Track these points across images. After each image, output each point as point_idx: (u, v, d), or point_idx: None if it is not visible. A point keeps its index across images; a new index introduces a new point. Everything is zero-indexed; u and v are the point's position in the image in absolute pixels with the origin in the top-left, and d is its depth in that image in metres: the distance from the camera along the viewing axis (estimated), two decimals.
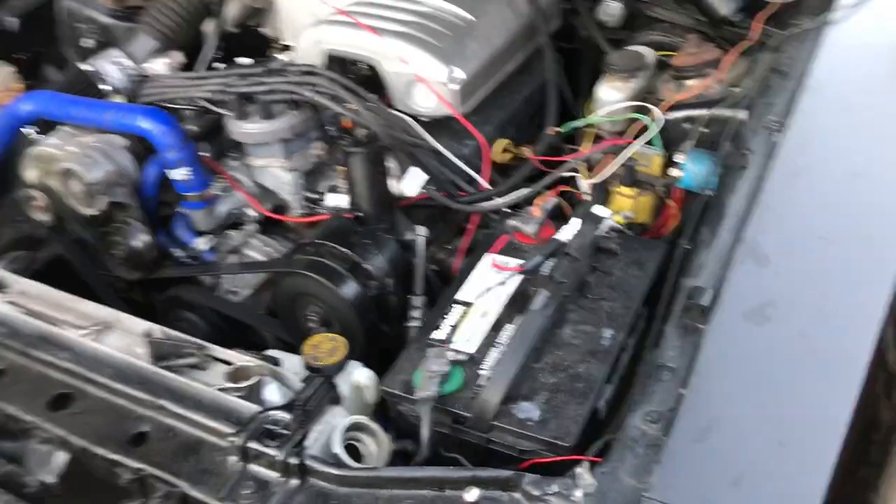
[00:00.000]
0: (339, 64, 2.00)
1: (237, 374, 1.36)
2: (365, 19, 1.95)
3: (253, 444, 1.23)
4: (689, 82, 1.87)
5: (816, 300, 1.33)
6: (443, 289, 1.67)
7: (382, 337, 1.72)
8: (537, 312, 1.34)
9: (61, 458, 1.39)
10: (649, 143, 1.79)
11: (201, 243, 1.93)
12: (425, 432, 1.29)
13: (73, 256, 1.98)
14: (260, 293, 1.92)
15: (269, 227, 2.02)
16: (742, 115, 1.68)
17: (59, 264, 2.03)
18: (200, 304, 1.87)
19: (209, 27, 2.24)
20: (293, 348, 1.50)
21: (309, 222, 1.92)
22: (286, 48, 2.22)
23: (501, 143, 1.99)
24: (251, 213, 2.00)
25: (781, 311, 1.31)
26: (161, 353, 1.42)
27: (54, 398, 1.39)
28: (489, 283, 1.50)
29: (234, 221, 2.01)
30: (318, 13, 2.00)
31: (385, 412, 1.44)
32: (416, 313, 1.73)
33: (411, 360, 1.41)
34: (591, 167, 1.84)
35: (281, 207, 2.00)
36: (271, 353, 1.52)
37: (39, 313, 1.54)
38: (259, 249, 1.96)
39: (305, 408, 1.28)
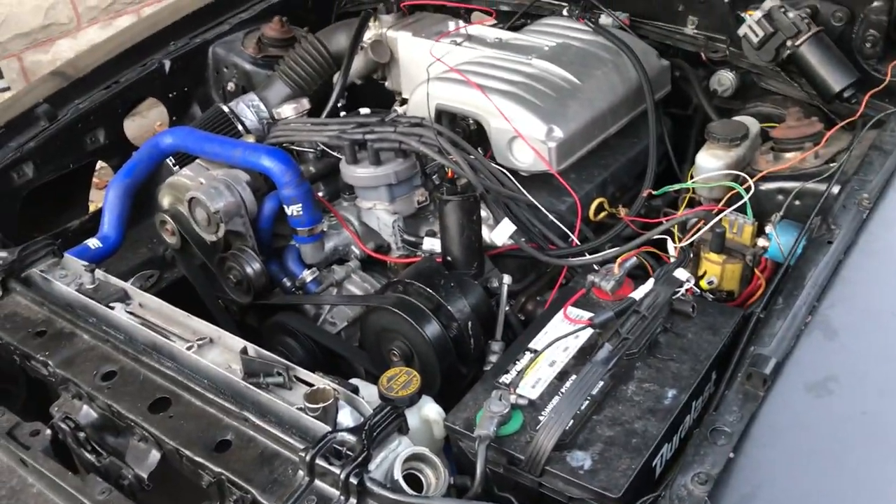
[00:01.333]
0: (450, 118, 2.13)
1: (314, 396, 1.45)
2: (475, 78, 2.07)
3: (319, 461, 1.32)
4: (787, 154, 1.88)
5: (882, 379, 1.31)
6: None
7: (461, 378, 1.79)
8: (597, 364, 1.38)
9: (155, 456, 1.54)
10: (743, 212, 1.81)
11: (307, 275, 2.07)
12: (479, 469, 1.34)
13: (193, 278, 2.16)
14: (355, 326, 2.04)
15: (370, 265, 2.14)
16: (834, 189, 1.67)
17: (184, 285, 2.23)
18: (300, 331, 2.00)
19: (336, 78, 2.43)
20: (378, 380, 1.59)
21: (406, 263, 2.03)
22: (405, 101, 2.37)
23: (597, 202, 2.05)
24: (356, 250, 2.13)
25: (845, 386, 1.30)
26: (251, 370, 1.54)
27: (155, 401, 1.55)
28: (561, 334, 1.55)
29: (340, 257, 2.15)
30: (432, 70, 2.13)
31: (450, 447, 1.52)
32: (493, 358, 1.79)
33: (476, 400, 1.48)
34: (686, 231, 1.87)
35: (383, 247, 2.12)
36: (354, 381, 1.63)
37: (153, 325, 1.70)
38: (358, 285, 2.07)
39: (372, 433, 1.37)
